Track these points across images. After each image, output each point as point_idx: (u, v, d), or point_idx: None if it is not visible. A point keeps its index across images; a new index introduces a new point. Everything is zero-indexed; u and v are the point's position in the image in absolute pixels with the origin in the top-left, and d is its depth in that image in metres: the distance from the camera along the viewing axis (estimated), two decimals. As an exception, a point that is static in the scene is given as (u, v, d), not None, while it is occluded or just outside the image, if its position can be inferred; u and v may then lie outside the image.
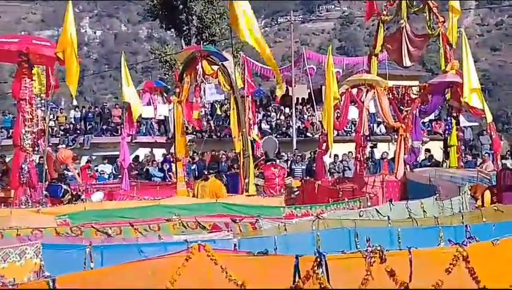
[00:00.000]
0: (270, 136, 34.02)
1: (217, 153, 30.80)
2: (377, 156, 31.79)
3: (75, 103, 38.15)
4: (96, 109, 42.58)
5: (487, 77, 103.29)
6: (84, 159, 32.65)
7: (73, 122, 39.56)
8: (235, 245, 8.72)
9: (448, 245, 7.57)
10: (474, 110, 20.94)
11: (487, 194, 17.63)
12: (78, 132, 38.57)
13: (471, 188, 17.14)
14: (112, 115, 39.58)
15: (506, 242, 7.40)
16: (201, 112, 28.88)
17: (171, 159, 30.73)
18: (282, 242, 9.42)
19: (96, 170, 32.06)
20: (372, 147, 29.89)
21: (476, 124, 26.65)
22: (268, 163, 23.71)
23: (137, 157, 32.44)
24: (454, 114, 23.35)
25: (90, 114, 40.36)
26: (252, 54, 33.48)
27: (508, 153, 29.14)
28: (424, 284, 7.10)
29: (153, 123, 38.21)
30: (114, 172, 31.79)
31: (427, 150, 28.56)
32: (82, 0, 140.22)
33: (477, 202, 16.55)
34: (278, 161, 30.84)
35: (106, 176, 31.49)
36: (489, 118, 21.14)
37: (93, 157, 35.18)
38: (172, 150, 33.74)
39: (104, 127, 39.16)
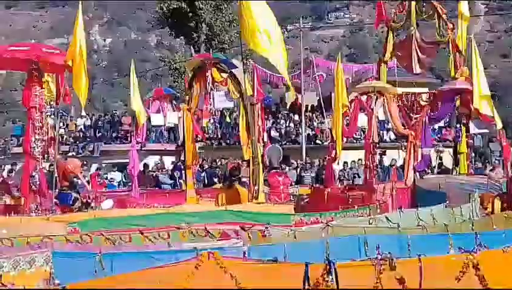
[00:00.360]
0: (274, 144, 33.98)
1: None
2: (386, 163, 31.74)
3: (83, 113, 38.26)
4: (106, 116, 42.69)
5: (497, 83, 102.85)
6: (94, 166, 32.71)
7: (83, 130, 39.69)
8: (244, 253, 8.72)
9: (458, 253, 7.55)
10: (484, 117, 20.86)
11: (497, 201, 17.60)
12: (88, 139, 38.69)
13: (480, 198, 17.13)
14: (122, 123, 39.65)
15: (516, 249, 7.38)
16: (211, 119, 29.00)
17: (182, 167, 30.75)
18: (291, 250, 9.41)
19: (106, 178, 32.10)
20: (381, 154, 29.83)
21: (486, 131, 26.55)
22: (273, 171, 23.72)
23: (146, 165, 32.47)
24: (464, 121, 23.32)
25: (100, 122, 40.47)
26: (261, 61, 33.47)
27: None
28: (434, 292, 7.09)
29: (163, 131, 38.24)
30: (124, 180, 31.82)
31: (440, 158, 28.50)
32: (91, 7, 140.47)
33: (486, 210, 16.53)
34: (286, 168, 30.88)
35: (116, 184, 31.53)
36: (500, 124, 21.07)
37: (103, 165, 35.22)
38: (182, 158, 33.82)
39: (114, 134, 39.25)
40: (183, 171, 29.09)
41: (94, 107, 78.46)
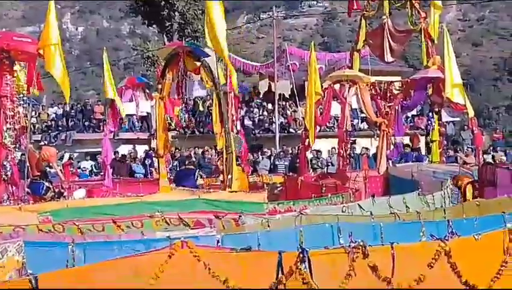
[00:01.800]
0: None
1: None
2: (357, 151, 31.87)
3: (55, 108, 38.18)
4: (79, 105, 42.47)
5: (469, 72, 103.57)
6: (66, 156, 32.52)
7: (55, 119, 39.45)
8: (218, 241, 8.71)
9: (430, 240, 7.60)
10: (456, 106, 21.00)
11: (470, 188, 17.74)
12: (60, 128, 38.47)
13: (454, 179, 17.28)
14: (94, 112, 39.52)
15: (487, 237, 7.44)
16: (183, 108, 28.86)
17: (153, 155, 30.70)
18: (265, 238, 9.42)
19: (79, 167, 31.96)
20: (351, 143, 29.93)
21: (458, 119, 26.75)
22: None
23: (117, 153, 32.33)
24: (436, 109, 23.46)
25: (72, 111, 40.26)
26: (235, 50, 33.40)
27: (490, 147, 29.29)
28: (406, 278, 7.13)
29: (135, 120, 38.12)
30: (95, 169, 31.72)
31: (407, 145, 28.65)
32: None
33: (460, 191, 16.69)
34: (259, 157, 30.88)
35: (88, 173, 31.42)
36: (471, 113, 21.21)
37: (75, 154, 35.07)
38: (153, 145, 33.74)
39: (86, 123, 39.09)
40: (154, 160, 29.11)
41: (67, 96, 77.94)
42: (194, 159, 27.68)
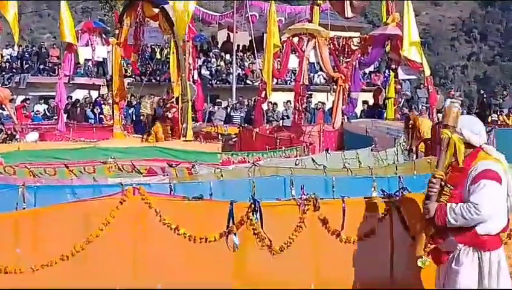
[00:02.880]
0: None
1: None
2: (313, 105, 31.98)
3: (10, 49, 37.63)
4: (34, 48, 41.79)
5: (427, 31, 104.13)
6: (20, 98, 32.11)
7: (10, 60, 38.80)
8: (170, 189, 8.70)
9: (381, 195, 7.68)
10: (413, 64, 21.12)
11: (422, 146, 17.96)
12: (14, 70, 37.88)
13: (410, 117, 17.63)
14: (50, 55, 38.96)
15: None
16: (140, 54, 28.49)
17: (102, 102, 30.46)
18: (218, 188, 9.43)
19: (32, 110, 31.58)
20: (307, 97, 30.02)
21: (414, 77, 26.92)
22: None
23: (70, 97, 31.99)
24: (393, 67, 23.57)
25: (27, 53, 39.62)
26: (194, -1, 32.95)
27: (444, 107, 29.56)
28: (356, 232, 7.21)
29: (91, 65, 37.67)
30: (48, 113, 31.39)
31: (365, 102, 28.85)
32: None
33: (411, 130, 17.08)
34: (215, 107, 30.83)
35: (41, 116, 31.09)
36: (427, 72, 21.39)
37: (29, 97, 34.62)
38: (102, 92, 33.45)
39: (41, 67, 38.53)
40: (104, 106, 28.89)
41: (22, 38, 76.65)
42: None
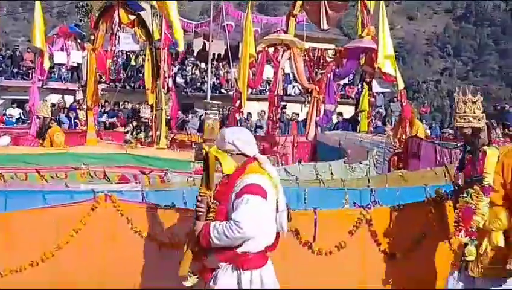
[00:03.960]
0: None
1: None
2: (289, 116, 32.08)
3: None
4: (8, 51, 41.56)
5: (402, 45, 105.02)
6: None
7: (-18, 63, 38.61)
8: (142, 197, 8.67)
9: (353, 207, 7.72)
10: (387, 77, 21.21)
11: (394, 160, 18.04)
12: (-13, 73, 37.68)
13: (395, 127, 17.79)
14: (24, 59, 38.77)
15: (408, 207, 7.58)
16: (115, 61, 28.47)
17: (77, 107, 30.33)
18: (190, 196, 9.41)
19: (4, 114, 31.38)
20: (282, 108, 30.11)
21: (388, 90, 27.05)
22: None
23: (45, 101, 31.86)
24: (367, 79, 23.67)
25: (0, 56, 39.39)
26: (171, 6, 32.93)
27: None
28: (327, 244, 7.24)
29: (65, 69, 37.54)
30: (22, 117, 31.21)
31: (339, 114, 28.96)
32: None
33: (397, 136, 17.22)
34: (190, 116, 30.80)
35: (14, 121, 30.89)
36: (401, 85, 21.44)
37: (1, 101, 34.43)
38: (78, 98, 33.31)
39: (15, 70, 38.30)
40: (78, 112, 28.75)
41: (-5, 41, 76.18)
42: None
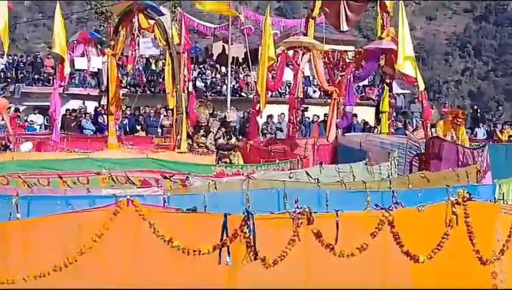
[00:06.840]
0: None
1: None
2: (309, 119, 32.04)
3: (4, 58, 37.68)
4: (29, 58, 41.80)
5: (422, 45, 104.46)
6: (13, 108, 32.13)
7: (4, 70, 38.81)
8: (164, 201, 8.68)
9: (374, 209, 7.68)
10: (407, 78, 21.15)
11: (415, 161, 17.98)
12: (9, 80, 37.86)
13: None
14: (45, 65, 38.98)
15: (430, 209, 7.54)
16: (135, 66, 28.57)
17: (102, 112, 30.45)
18: (211, 200, 9.41)
19: (26, 120, 31.57)
20: (303, 110, 30.05)
21: (408, 91, 26.97)
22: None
23: (68, 109, 31.99)
24: (388, 81, 23.59)
25: (21, 63, 39.62)
26: (190, 10, 33.15)
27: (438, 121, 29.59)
28: (349, 246, 7.21)
29: (86, 75, 37.71)
30: (46, 123, 31.39)
31: (354, 115, 28.80)
32: None
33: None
34: (210, 119, 30.81)
35: (37, 127, 31.07)
36: (422, 86, 21.39)
37: (23, 107, 34.64)
38: (103, 103, 33.44)
39: (36, 76, 38.53)
40: (104, 117, 28.87)
41: (17, 47, 76.60)
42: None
